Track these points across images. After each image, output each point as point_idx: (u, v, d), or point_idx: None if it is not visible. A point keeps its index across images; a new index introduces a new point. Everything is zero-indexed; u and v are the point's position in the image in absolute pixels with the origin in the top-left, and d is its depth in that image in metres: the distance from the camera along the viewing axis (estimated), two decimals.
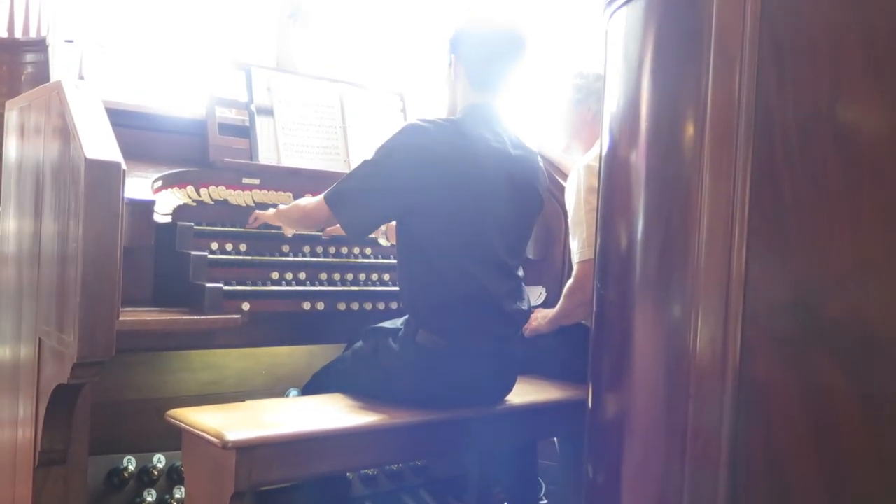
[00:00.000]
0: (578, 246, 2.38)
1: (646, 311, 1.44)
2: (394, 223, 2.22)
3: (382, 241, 2.51)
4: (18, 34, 6.38)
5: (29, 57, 6.18)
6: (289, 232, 2.33)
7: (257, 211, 2.34)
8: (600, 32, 1.67)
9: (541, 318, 2.48)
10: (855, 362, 1.18)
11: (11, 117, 2.40)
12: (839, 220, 1.20)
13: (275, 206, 2.42)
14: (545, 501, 2.83)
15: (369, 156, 2.04)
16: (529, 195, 2.14)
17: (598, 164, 2.36)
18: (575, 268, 2.40)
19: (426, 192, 1.98)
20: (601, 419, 1.59)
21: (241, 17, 5.78)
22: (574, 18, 4.61)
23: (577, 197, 2.39)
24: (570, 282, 2.41)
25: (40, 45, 6.10)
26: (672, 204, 1.38)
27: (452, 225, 2.00)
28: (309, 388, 2.29)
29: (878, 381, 1.15)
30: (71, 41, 6.00)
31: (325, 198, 2.06)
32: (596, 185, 2.31)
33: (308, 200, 2.19)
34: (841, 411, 1.19)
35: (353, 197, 2.02)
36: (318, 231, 2.39)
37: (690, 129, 1.35)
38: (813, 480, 1.21)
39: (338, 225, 2.11)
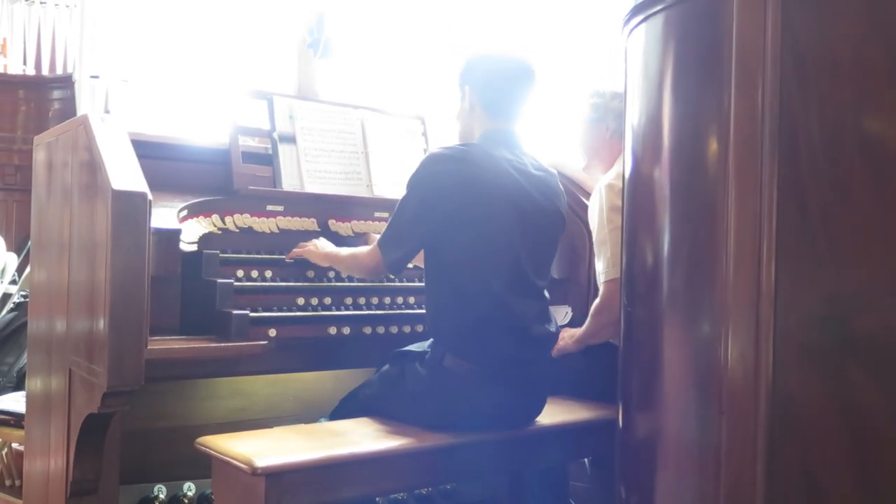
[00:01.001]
0: (604, 266, 2.37)
1: (674, 328, 1.43)
2: None
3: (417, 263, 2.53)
4: (45, 71, 6.51)
5: (56, 93, 6.30)
6: (344, 273, 2.35)
7: (301, 248, 2.35)
8: (619, 49, 1.67)
9: (567, 337, 2.47)
10: (890, 375, 1.16)
11: (39, 152, 2.44)
12: (869, 231, 1.18)
13: (299, 232, 2.44)
14: None
15: (402, 191, 2.10)
16: (552, 216, 2.15)
17: (619, 183, 2.36)
18: (601, 287, 2.39)
19: (451, 217, 2.00)
20: (632, 438, 1.57)
21: (261, 48, 5.86)
22: (591, 35, 4.62)
23: (601, 217, 2.38)
24: (597, 301, 2.39)
25: (66, 82, 6.22)
26: (698, 220, 1.37)
27: (478, 247, 2.01)
28: (336, 414, 2.29)
29: None
30: (96, 76, 6.12)
31: (379, 244, 2.11)
32: (618, 203, 2.31)
33: (362, 250, 2.23)
34: (877, 425, 1.17)
35: (393, 236, 2.08)
36: (373, 280, 2.41)
37: (714, 145, 1.34)
38: (851, 496, 1.19)
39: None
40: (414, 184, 2.06)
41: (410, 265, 2.44)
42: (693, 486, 1.36)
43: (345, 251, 2.29)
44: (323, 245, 2.33)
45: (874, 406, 1.17)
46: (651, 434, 1.49)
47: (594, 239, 2.43)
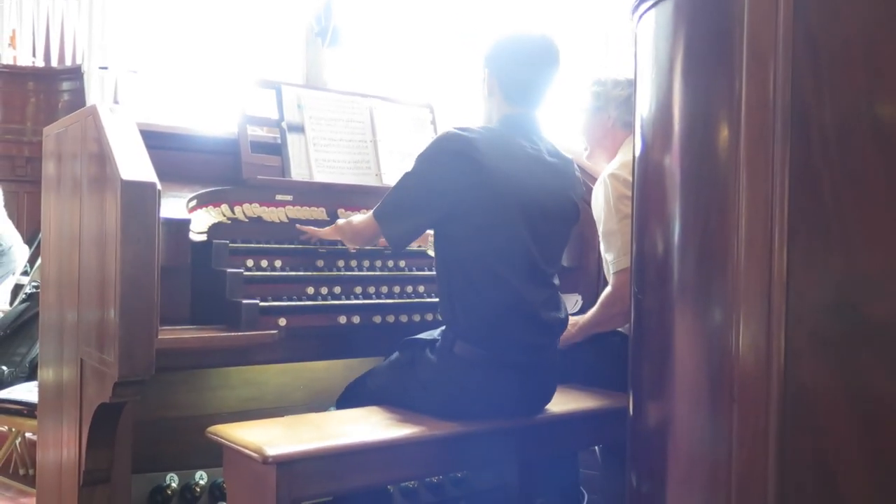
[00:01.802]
0: (614, 256, 2.36)
1: (685, 316, 1.42)
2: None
3: (431, 252, 2.52)
4: (54, 63, 6.52)
5: (65, 85, 6.32)
6: (351, 248, 2.37)
7: (311, 228, 2.38)
8: (629, 35, 1.66)
9: (570, 325, 2.46)
10: None
11: (48, 143, 2.44)
12: (881, 218, 1.17)
13: (308, 221, 2.44)
14: None
15: (409, 168, 2.07)
16: (564, 203, 2.14)
17: (623, 173, 2.35)
18: (612, 278, 2.37)
19: (461, 198, 1.99)
20: (643, 427, 1.56)
21: (269, 37, 5.85)
22: (600, 20, 4.59)
23: (608, 207, 2.36)
24: (607, 291, 2.38)
25: (76, 73, 6.23)
26: (709, 207, 1.36)
27: (487, 231, 2.00)
28: (343, 400, 2.30)
29: None
30: (105, 68, 6.13)
31: (374, 213, 2.12)
32: (625, 192, 2.29)
33: (360, 217, 2.23)
34: (889, 413, 1.16)
35: (395, 209, 2.07)
36: (371, 247, 2.41)
37: (725, 131, 1.33)
38: (863, 484, 1.18)
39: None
40: (423, 160, 2.04)
41: (415, 245, 2.44)
42: (704, 474, 1.36)
43: (341, 220, 2.30)
44: (339, 222, 2.34)
45: (887, 393, 1.16)
46: (662, 422, 1.49)
47: (601, 230, 2.41)
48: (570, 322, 2.45)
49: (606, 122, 2.54)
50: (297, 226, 2.40)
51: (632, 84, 2.49)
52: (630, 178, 2.32)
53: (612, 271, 2.37)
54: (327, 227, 2.36)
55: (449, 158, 2.00)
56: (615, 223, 2.34)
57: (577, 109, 2.62)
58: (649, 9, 1.51)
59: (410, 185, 2.05)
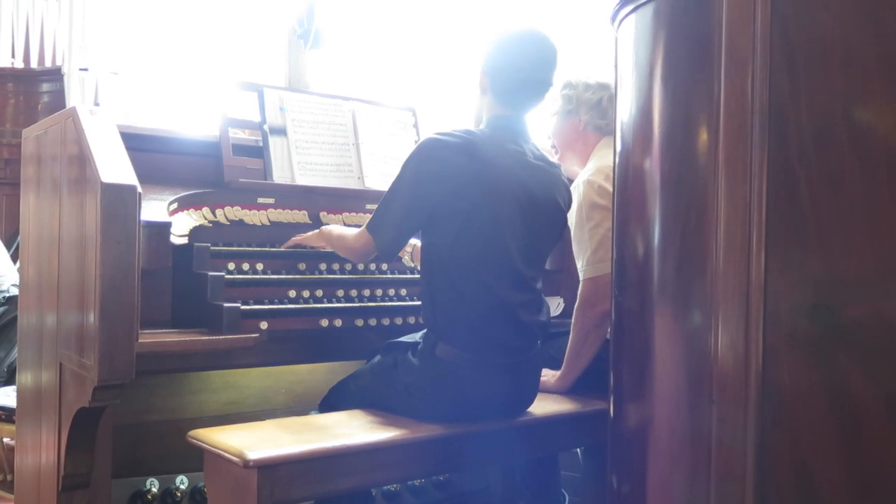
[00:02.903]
0: (583, 264, 2.36)
1: (665, 318, 1.43)
2: (419, 244, 2.23)
3: (406, 260, 2.53)
4: (34, 64, 6.47)
5: (45, 86, 6.26)
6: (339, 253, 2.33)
7: (298, 236, 2.36)
8: (609, 40, 1.67)
9: (551, 377, 2.41)
10: (879, 363, 1.17)
11: (28, 145, 2.43)
12: (857, 220, 1.19)
13: (290, 224, 2.43)
14: None
15: (393, 173, 2.09)
16: (549, 207, 2.13)
17: (597, 179, 2.36)
18: (580, 286, 2.37)
19: (444, 202, 1.99)
20: (624, 429, 1.57)
21: (251, 39, 5.83)
22: (581, 25, 4.61)
23: (579, 214, 2.36)
24: (577, 302, 2.37)
25: (56, 75, 6.17)
26: (688, 209, 1.37)
27: (469, 235, 2.00)
28: (326, 404, 2.29)
29: None
30: (86, 69, 6.08)
31: (367, 227, 2.10)
32: (597, 200, 2.31)
33: (353, 232, 2.20)
34: (866, 413, 1.18)
35: (385, 220, 2.06)
36: (363, 269, 2.41)
37: (704, 134, 1.34)
38: (840, 484, 1.20)
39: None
40: (407, 167, 2.04)
41: (410, 263, 2.44)
42: (684, 475, 1.37)
43: (336, 230, 2.28)
44: (326, 226, 2.33)
45: (863, 393, 1.18)
46: (642, 423, 1.50)
47: (572, 235, 2.41)
48: (549, 376, 2.42)
49: (577, 125, 2.54)
50: (283, 246, 2.38)
51: (603, 87, 2.51)
52: (605, 185, 2.33)
53: (581, 278, 2.37)
54: (312, 233, 2.34)
55: (428, 165, 2.00)
56: (585, 231, 2.34)
57: (548, 113, 2.62)
58: (629, 14, 1.52)
59: (393, 193, 2.05)
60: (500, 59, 2.11)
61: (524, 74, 2.09)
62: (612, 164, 2.38)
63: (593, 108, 2.50)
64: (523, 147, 2.10)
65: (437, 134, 2.04)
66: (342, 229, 2.28)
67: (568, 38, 4.61)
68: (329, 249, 2.35)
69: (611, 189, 2.34)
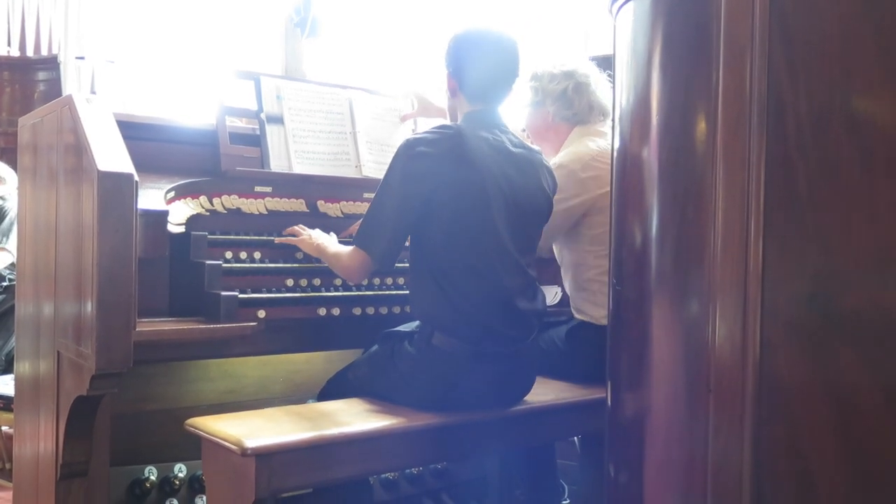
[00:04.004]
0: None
1: (663, 307, 1.43)
2: None
3: None
4: (30, 53, 6.44)
5: (41, 75, 6.23)
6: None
7: (296, 236, 2.32)
8: (608, 28, 1.66)
9: None
10: (876, 353, 1.17)
11: (24, 134, 2.42)
12: (856, 209, 1.18)
13: (288, 213, 2.43)
14: (567, 502, 2.81)
15: (386, 164, 2.09)
16: (534, 192, 2.14)
17: (567, 161, 2.37)
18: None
19: (429, 200, 2.01)
20: (621, 417, 1.58)
21: (248, 28, 5.81)
22: (580, 13, 4.60)
23: None
24: None
25: (52, 63, 6.15)
26: (686, 198, 1.37)
27: (458, 224, 2.01)
28: (324, 394, 2.29)
29: None
30: (82, 58, 6.05)
31: (355, 242, 2.09)
32: (562, 184, 2.32)
33: (345, 251, 2.16)
34: (864, 403, 1.18)
35: (376, 230, 2.05)
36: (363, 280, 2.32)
37: (702, 123, 1.34)
38: (837, 473, 1.20)
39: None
40: (391, 174, 2.05)
41: None
42: (681, 463, 1.37)
43: (331, 248, 2.23)
44: (317, 236, 2.30)
45: (859, 383, 1.18)
46: (640, 412, 1.50)
47: None
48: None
49: (546, 116, 2.54)
50: (277, 240, 2.34)
51: (568, 76, 2.51)
52: (574, 168, 2.36)
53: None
54: (305, 238, 2.30)
55: (412, 166, 2.01)
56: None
57: (520, 105, 2.62)
58: (628, 1, 1.51)
59: (380, 202, 2.05)
60: (464, 60, 2.13)
61: (490, 72, 2.13)
62: (587, 153, 2.41)
63: (558, 98, 2.50)
64: (501, 137, 2.12)
65: (416, 134, 2.10)
66: (337, 248, 2.23)
67: (567, 29, 4.60)
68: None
69: (582, 175, 2.37)
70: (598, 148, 2.44)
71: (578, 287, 2.49)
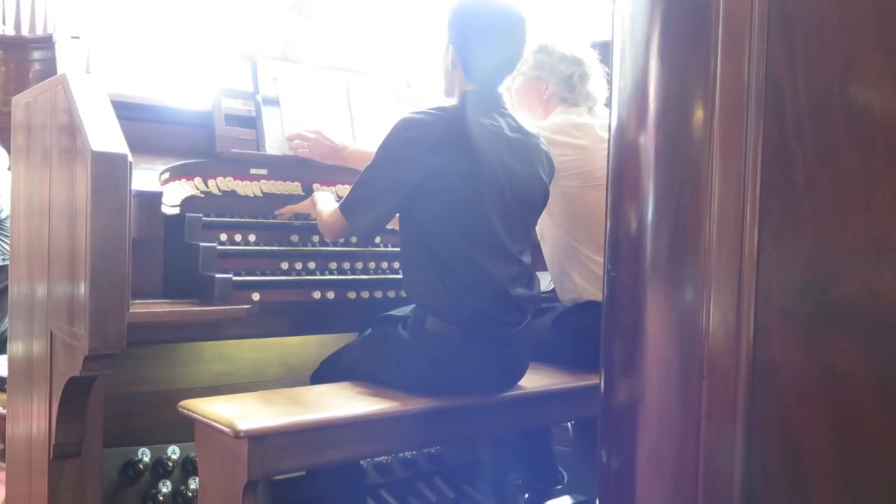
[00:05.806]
0: None
1: (657, 293, 1.43)
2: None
3: None
4: (25, 32, 6.40)
5: (36, 54, 6.19)
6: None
7: (290, 207, 2.37)
8: (607, 12, 1.65)
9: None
10: (871, 342, 1.17)
11: (18, 113, 2.40)
12: (852, 198, 1.18)
13: (283, 196, 2.42)
14: (561, 488, 2.83)
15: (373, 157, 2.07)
16: (530, 178, 2.12)
17: (548, 133, 2.33)
18: None
19: (424, 182, 1.98)
20: (614, 403, 1.58)
21: (245, 9, 5.77)
22: (578, 3, 4.57)
23: None
24: None
25: (47, 43, 6.11)
26: (682, 184, 1.36)
27: (451, 211, 2.00)
28: (317, 376, 2.29)
29: (894, 361, 1.14)
30: (77, 37, 6.01)
31: (340, 206, 2.09)
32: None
33: (329, 208, 2.18)
34: (857, 391, 1.18)
35: (360, 202, 2.04)
36: (335, 242, 2.37)
37: (700, 109, 1.33)
38: (829, 461, 1.20)
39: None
40: (383, 149, 2.02)
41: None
42: (674, 450, 1.38)
43: (320, 202, 2.26)
44: (317, 196, 2.32)
45: (853, 371, 1.18)
46: (633, 398, 1.50)
47: None
48: None
49: (542, 92, 2.50)
50: (276, 211, 2.38)
51: (577, 63, 2.49)
52: (557, 138, 2.34)
53: None
54: (305, 201, 2.34)
55: (406, 146, 1.99)
56: None
57: (515, 72, 2.57)
58: None
59: (371, 176, 2.03)
60: (468, 38, 2.07)
61: (494, 53, 2.06)
62: (566, 121, 2.39)
63: (563, 81, 2.47)
64: (499, 121, 2.09)
65: (412, 113, 2.03)
66: (325, 203, 2.25)
67: (569, 14, 4.58)
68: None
69: (562, 140, 2.36)
70: (580, 120, 2.42)
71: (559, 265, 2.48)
